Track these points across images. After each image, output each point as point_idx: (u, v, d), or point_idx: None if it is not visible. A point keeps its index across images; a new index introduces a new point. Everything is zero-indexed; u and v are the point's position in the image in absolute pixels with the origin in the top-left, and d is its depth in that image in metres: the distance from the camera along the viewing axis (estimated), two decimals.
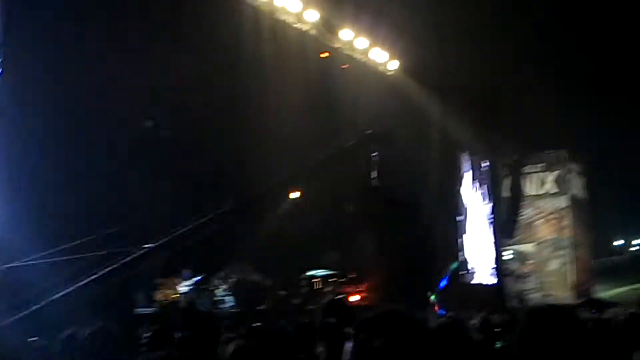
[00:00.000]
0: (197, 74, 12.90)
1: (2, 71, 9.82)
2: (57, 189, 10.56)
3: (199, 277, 13.12)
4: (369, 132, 16.68)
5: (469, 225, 19.63)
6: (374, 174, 16.64)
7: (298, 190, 15.86)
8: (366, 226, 16.32)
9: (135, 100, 11.98)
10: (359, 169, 16.67)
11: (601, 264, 22.76)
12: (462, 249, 19.16)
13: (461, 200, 19.54)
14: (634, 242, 28.55)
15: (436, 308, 15.63)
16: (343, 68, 15.92)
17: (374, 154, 16.71)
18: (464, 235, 19.42)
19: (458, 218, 19.22)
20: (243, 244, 14.11)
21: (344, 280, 15.44)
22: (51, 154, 10.62)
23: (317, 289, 14.99)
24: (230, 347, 4.76)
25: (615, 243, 27.90)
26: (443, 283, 16.94)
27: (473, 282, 19.46)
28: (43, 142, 10.55)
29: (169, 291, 12.82)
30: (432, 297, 16.09)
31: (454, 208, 19.13)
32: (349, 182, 16.39)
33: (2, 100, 9.81)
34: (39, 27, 10.44)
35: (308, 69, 14.66)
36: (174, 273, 13.03)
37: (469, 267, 19.52)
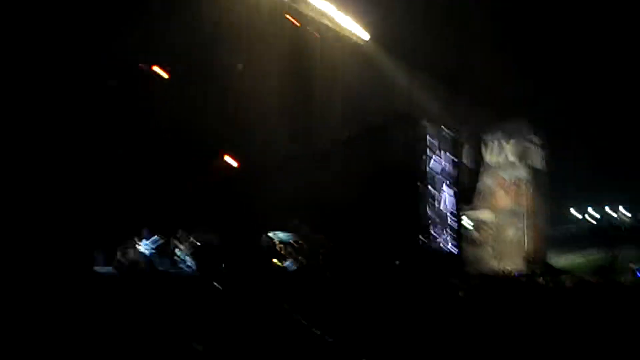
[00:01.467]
0: (172, 42, 12.76)
1: None
2: None
3: (158, 238, 13.09)
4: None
5: (430, 192, 19.83)
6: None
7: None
8: (328, 191, 16.42)
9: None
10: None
11: (557, 232, 23.28)
12: (424, 216, 19.38)
13: (424, 167, 19.70)
14: (590, 213, 29.21)
15: None
16: (315, 36, 15.91)
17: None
18: (425, 202, 19.63)
19: (420, 185, 19.40)
20: (204, 204, 14.08)
21: (304, 243, 15.53)
22: None
23: (278, 251, 15.09)
24: None
25: (571, 213, 28.54)
26: None
27: (434, 247, 19.74)
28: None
29: (128, 250, 12.78)
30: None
31: (417, 175, 19.29)
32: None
33: None
34: None
35: (280, 35, 14.61)
36: (133, 233, 12.98)
37: (431, 232, 19.78)
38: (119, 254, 12.77)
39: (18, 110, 10.38)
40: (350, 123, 16.65)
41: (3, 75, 10.30)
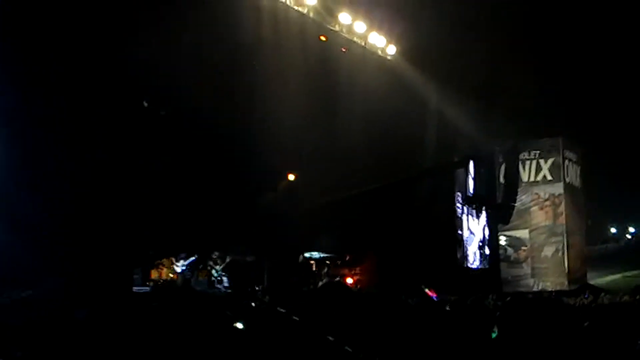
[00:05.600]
0: (197, 56, 12.88)
1: None
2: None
3: (194, 257, 13.21)
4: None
5: (465, 211, 19.73)
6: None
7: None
8: (364, 212, 16.41)
9: (136, 80, 11.92)
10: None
11: (596, 251, 22.92)
12: (458, 234, 19.26)
13: (458, 185, 19.62)
14: (629, 230, 28.67)
15: (430, 293, 15.69)
16: (342, 51, 15.94)
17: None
18: (460, 221, 19.53)
19: (456, 205, 19.32)
20: (238, 225, 14.17)
21: (339, 263, 15.56)
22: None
23: (313, 270, 15.13)
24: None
25: (611, 231, 28.06)
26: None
27: (469, 266, 19.59)
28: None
29: (164, 270, 12.93)
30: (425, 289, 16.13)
31: (450, 194, 19.21)
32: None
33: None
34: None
35: (307, 51, 14.68)
36: (170, 253, 13.13)
37: (465, 251, 19.66)
38: (156, 274, 12.94)
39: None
40: (377, 143, 16.52)
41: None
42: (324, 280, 15.31)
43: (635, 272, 20.60)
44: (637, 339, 6.24)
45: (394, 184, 17.00)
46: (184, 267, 13.09)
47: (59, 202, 10.39)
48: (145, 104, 12.74)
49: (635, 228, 28.18)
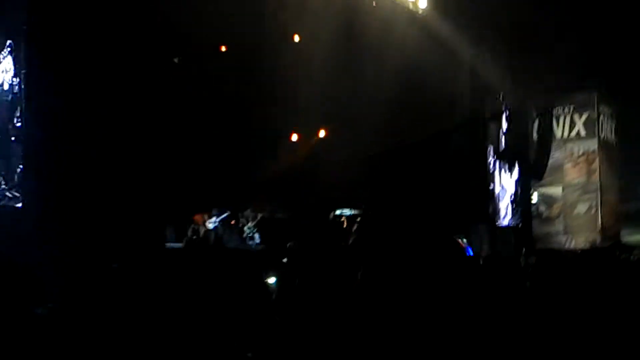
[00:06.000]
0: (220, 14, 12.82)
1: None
2: None
3: (226, 214, 13.32)
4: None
5: (497, 167, 19.57)
6: None
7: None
8: (396, 168, 16.38)
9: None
10: None
11: (630, 208, 22.60)
12: (490, 190, 19.15)
13: (490, 140, 19.43)
14: None
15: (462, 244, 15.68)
16: (373, 6, 15.76)
17: None
18: (492, 176, 19.39)
19: (488, 160, 19.16)
20: (271, 181, 14.23)
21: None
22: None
23: (344, 228, 15.16)
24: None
25: None
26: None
27: (501, 223, 19.51)
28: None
29: (197, 227, 13.05)
30: (462, 240, 16.12)
31: (482, 149, 19.04)
32: None
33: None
34: None
35: (337, 5, 14.54)
36: (203, 209, 13.25)
37: (497, 207, 19.56)
38: (189, 231, 13.07)
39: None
40: (409, 98, 16.30)
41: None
42: (355, 237, 15.35)
43: None
44: None
45: (425, 139, 16.90)
46: (216, 224, 13.21)
47: (89, 157, 10.52)
48: (176, 61, 12.76)
49: None
